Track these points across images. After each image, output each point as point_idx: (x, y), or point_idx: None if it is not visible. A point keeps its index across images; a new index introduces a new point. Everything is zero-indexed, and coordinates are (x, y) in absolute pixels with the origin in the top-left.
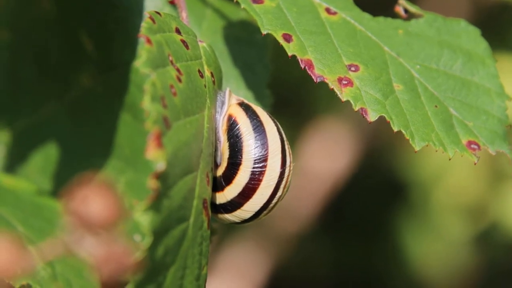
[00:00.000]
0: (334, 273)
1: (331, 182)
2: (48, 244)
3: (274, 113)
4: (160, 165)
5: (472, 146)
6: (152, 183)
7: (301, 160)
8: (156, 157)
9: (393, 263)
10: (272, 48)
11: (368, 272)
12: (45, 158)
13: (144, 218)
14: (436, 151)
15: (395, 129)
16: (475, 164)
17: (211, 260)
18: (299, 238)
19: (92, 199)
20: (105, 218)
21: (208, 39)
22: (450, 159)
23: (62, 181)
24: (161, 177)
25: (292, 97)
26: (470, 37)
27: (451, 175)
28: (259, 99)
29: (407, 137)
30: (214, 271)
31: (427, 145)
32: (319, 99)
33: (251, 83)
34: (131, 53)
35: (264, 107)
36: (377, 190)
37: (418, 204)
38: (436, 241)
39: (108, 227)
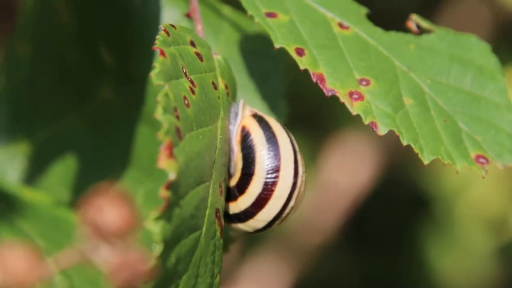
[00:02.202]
0: (357, 286)
1: (353, 195)
2: (64, 253)
3: (295, 127)
4: (171, 175)
5: (481, 160)
6: (163, 193)
7: (323, 174)
8: (167, 167)
9: (417, 275)
10: (291, 60)
11: (392, 285)
12: (65, 169)
13: (155, 227)
14: (445, 164)
15: (405, 143)
16: (483, 178)
17: (233, 272)
18: (322, 250)
19: (107, 209)
20: (119, 227)
21: (225, 51)
22: (457, 172)
23: (81, 191)
24: (172, 186)
25: (314, 111)
26: (481, 52)
27: (474, 187)
28: (274, 110)
29: (416, 151)
30: (235, 283)
31: (435, 159)
32: (341, 112)
33: (267, 94)
34: (149, 65)
35: (279, 117)
36: (399, 203)
37: (441, 217)
38: (460, 254)
39: (123, 236)
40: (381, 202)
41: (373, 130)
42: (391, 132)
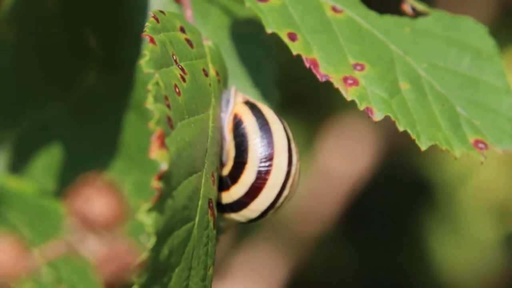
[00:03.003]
0: (356, 277)
1: (352, 183)
2: (51, 244)
3: (289, 110)
4: (163, 166)
5: (479, 145)
6: (155, 184)
7: (319, 159)
8: (159, 158)
9: (419, 266)
10: (283, 43)
11: (392, 276)
12: (49, 158)
13: (147, 219)
14: (443, 150)
15: (401, 128)
16: (481, 163)
17: (226, 263)
18: (320, 240)
19: (94, 199)
20: (108, 218)
21: (214, 37)
22: (456, 158)
23: (67, 181)
24: (164, 177)
25: (308, 93)
26: (478, 34)
27: (479, 174)
28: (266, 97)
29: (413, 137)
30: (229, 274)
31: (433, 145)
32: (338, 94)
33: (258, 81)
34: (137, 52)
35: (271, 105)
36: (401, 190)
37: (444, 205)
38: (464, 243)
39: (111, 227)
40: (381, 189)
41: (369, 116)
42: (390, 117)
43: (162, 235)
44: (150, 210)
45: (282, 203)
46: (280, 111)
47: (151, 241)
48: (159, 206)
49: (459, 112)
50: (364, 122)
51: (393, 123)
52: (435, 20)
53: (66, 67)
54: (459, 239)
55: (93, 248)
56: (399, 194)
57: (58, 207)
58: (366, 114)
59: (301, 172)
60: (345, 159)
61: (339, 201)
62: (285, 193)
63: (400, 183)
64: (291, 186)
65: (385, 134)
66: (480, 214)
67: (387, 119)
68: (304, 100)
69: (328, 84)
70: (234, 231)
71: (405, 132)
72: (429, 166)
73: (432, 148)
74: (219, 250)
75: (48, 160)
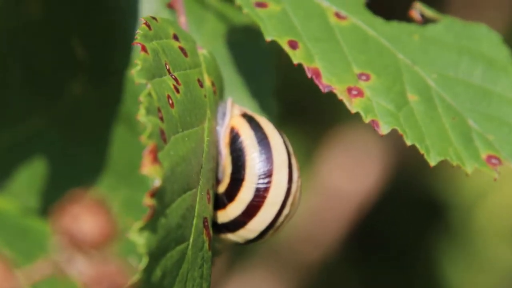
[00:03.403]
0: None
1: (357, 202)
2: (38, 265)
3: (288, 121)
4: (156, 182)
5: (493, 161)
6: (148, 201)
7: (322, 177)
8: (152, 173)
9: None
10: (282, 51)
11: None
12: (32, 174)
13: (139, 238)
14: (453, 166)
15: (409, 142)
16: (495, 180)
17: None
18: (322, 266)
19: (83, 217)
20: (97, 237)
21: (209, 45)
22: (468, 175)
23: (51, 199)
24: (158, 194)
25: (310, 101)
26: (492, 43)
27: (497, 194)
28: (265, 109)
29: (422, 152)
30: None
31: (443, 160)
32: (342, 103)
33: (256, 92)
34: (127, 61)
35: (270, 117)
36: (411, 211)
37: (459, 228)
38: (481, 269)
39: (100, 246)
40: (389, 209)
41: (375, 129)
42: (397, 130)
43: (155, 256)
44: (142, 229)
45: (282, 222)
46: (279, 123)
47: (143, 262)
48: (151, 224)
49: (471, 126)
50: (371, 135)
51: (402, 137)
52: (446, 28)
53: (50, 77)
54: (476, 265)
55: (81, 269)
56: (410, 215)
57: (41, 226)
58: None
59: (302, 189)
60: (350, 176)
61: (343, 223)
62: (285, 211)
63: (410, 203)
64: (292, 204)
65: (394, 149)
66: (497, 237)
67: (395, 132)
68: (305, 109)
69: (331, 94)
70: (228, 253)
71: (414, 147)
72: (442, 184)
73: (445, 165)
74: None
75: (31, 176)
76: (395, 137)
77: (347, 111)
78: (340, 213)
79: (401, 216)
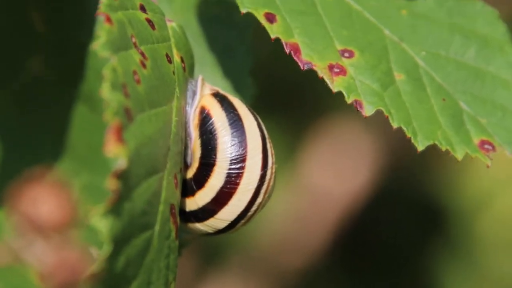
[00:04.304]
0: None
1: (346, 204)
2: None
3: (267, 112)
4: (121, 163)
5: (486, 146)
6: (111, 184)
7: (305, 176)
8: (116, 154)
9: None
10: (261, 28)
11: None
12: None
13: (102, 224)
14: (443, 151)
15: (395, 125)
16: (488, 167)
17: None
18: (306, 275)
19: (42, 199)
20: (57, 220)
21: (179, 17)
22: (458, 161)
23: (6, 182)
24: (122, 176)
25: (293, 91)
26: (487, 20)
27: (501, 199)
28: (239, 89)
29: (409, 135)
30: None
31: (432, 145)
32: (328, 91)
33: (230, 70)
34: (89, 34)
35: (245, 98)
36: (406, 217)
37: (459, 235)
38: (480, 281)
39: (62, 230)
40: (382, 214)
41: (357, 110)
42: (395, 127)
43: (118, 243)
44: (105, 213)
45: (255, 211)
46: (255, 105)
47: (105, 249)
48: (115, 209)
49: (462, 108)
50: (361, 129)
51: (399, 132)
52: (438, 3)
53: (5, 52)
54: (476, 275)
55: (40, 256)
56: (404, 220)
57: None
58: (364, 119)
59: (284, 188)
60: (337, 175)
61: (329, 227)
62: (259, 200)
63: (405, 207)
64: (265, 192)
65: (390, 145)
66: (501, 247)
67: (389, 126)
68: (285, 101)
69: (314, 79)
70: (197, 257)
71: (410, 143)
72: (441, 188)
73: (445, 165)
74: (178, 280)
75: None
76: (389, 131)
77: (332, 100)
78: (326, 216)
79: (394, 221)
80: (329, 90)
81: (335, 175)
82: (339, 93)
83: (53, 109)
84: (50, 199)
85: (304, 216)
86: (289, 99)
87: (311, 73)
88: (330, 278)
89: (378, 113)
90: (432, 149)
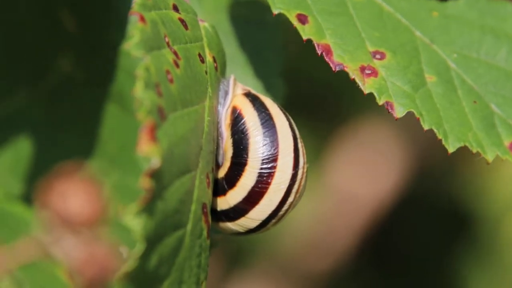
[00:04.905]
0: None
1: (373, 208)
2: (20, 245)
3: (295, 115)
4: (155, 162)
5: None
6: (145, 182)
7: (332, 179)
8: (150, 153)
9: None
10: (292, 29)
11: None
12: (15, 156)
13: (135, 223)
14: (473, 154)
15: (426, 127)
16: None
17: None
18: (331, 278)
19: (72, 194)
20: (87, 215)
21: (211, 18)
22: (488, 163)
23: (36, 178)
24: (155, 175)
25: (321, 94)
26: None
27: None
28: (270, 89)
29: (440, 137)
30: None
31: (463, 146)
32: (357, 96)
33: (261, 71)
34: (120, 34)
35: (276, 98)
36: (433, 222)
37: (485, 240)
38: (507, 287)
39: (91, 225)
40: (409, 219)
41: (389, 112)
42: (426, 129)
43: (151, 242)
44: (138, 212)
45: (286, 211)
46: (286, 105)
47: (138, 248)
48: (148, 208)
49: (493, 110)
50: (389, 133)
51: (427, 136)
52: (469, 4)
53: (36, 51)
54: (502, 280)
55: (69, 251)
56: (431, 226)
57: (25, 213)
58: (392, 122)
59: (311, 190)
60: (364, 178)
61: (355, 231)
62: (290, 199)
63: (432, 212)
64: (297, 192)
65: (417, 149)
66: None
67: (418, 128)
68: (313, 104)
69: (343, 83)
70: (225, 258)
71: (443, 147)
72: (470, 192)
73: (474, 170)
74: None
75: (13, 160)
76: (417, 135)
77: (360, 104)
78: (352, 219)
79: (421, 227)
80: (358, 91)
81: (362, 178)
82: (369, 95)
83: (83, 108)
84: (80, 194)
85: (330, 219)
86: (317, 100)
87: (340, 74)
88: (356, 280)
89: (406, 117)
90: (460, 153)
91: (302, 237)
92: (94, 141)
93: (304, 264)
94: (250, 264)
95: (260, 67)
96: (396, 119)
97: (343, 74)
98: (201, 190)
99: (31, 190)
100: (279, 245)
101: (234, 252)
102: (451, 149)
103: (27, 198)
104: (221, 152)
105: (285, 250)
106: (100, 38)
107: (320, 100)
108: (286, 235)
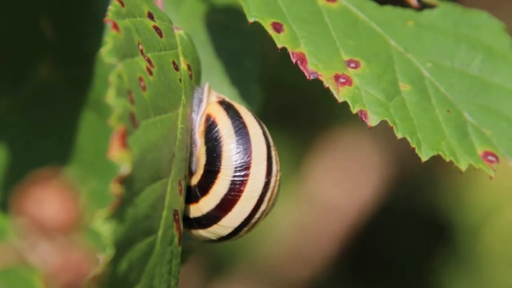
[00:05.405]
0: None
1: (352, 217)
2: None
3: (272, 123)
4: (125, 168)
5: (489, 157)
6: (115, 188)
7: (311, 188)
8: (120, 159)
9: None
10: (267, 38)
11: None
12: None
13: (105, 228)
14: (447, 163)
15: (399, 135)
16: (491, 178)
17: None
18: (315, 285)
19: (48, 200)
20: (62, 221)
21: (187, 26)
22: (461, 172)
23: (12, 185)
24: (126, 181)
25: (298, 102)
26: (492, 31)
27: (507, 211)
28: (245, 97)
29: (413, 145)
30: None
31: (436, 155)
32: (335, 105)
33: (237, 78)
34: (98, 41)
35: (251, 106)
36: (412, 230)
37: (464, 248)
38: None
39: (66, 231)
40: (388, 227)
41: (363, 120)
42: (400, 138)
43: (121, 248)
44: (108, 218)
45: (259, 219)
46: (261, 113)
47: (108, 254)
48: (118, 214)
49: (466, 119)
50: (368, 141)
51: (406, 144)
52: (443, 14)
53: (14, 58)
54: (485, 286)
55: (45, 256)
56: (410, 234)
57: (0, 219)
58: (370, 130)
59: (290, 199)
60: (343, 187)
61: (334, 240)
62: (263, 207)
63: (411, 220)
64: (270, 199)
65: (396, 157)
66: (506, 259)
67: (395, 139)
68: (291, 112)
69: (321, 91)
70: (204, 266)
71: (432, 157)
72: (448, 201)
73: (452, 180)
74: None
75: None
76: (395, 143)
77: (341, 112)
78: (332, 227)
79: (400, 235)
80: (336, 100)
81: (342, 185)
82: (346, 104)
83: (61, 115)
84: (56, 200)
85: (311, 227)
86: (296, 108)
87: (319, 82)
88: (338, 287)
89: (385, 125)
90: (438, 162)
91: (283, 245)
92: (71, 147)
93: (285, 272)
94: (231, 272)
95: (237, 74)
96: (369, 128)
97: (321, 82)
98: (173, 197)
99: (7, 196)
100: (260, 253)
101: (215, 260)
102: (424, 158)
103: (3, 204)
104: (194, 159)
105: (266, 257)
106: (78, 45)
107: (299, 108)
108: (267, 243)
